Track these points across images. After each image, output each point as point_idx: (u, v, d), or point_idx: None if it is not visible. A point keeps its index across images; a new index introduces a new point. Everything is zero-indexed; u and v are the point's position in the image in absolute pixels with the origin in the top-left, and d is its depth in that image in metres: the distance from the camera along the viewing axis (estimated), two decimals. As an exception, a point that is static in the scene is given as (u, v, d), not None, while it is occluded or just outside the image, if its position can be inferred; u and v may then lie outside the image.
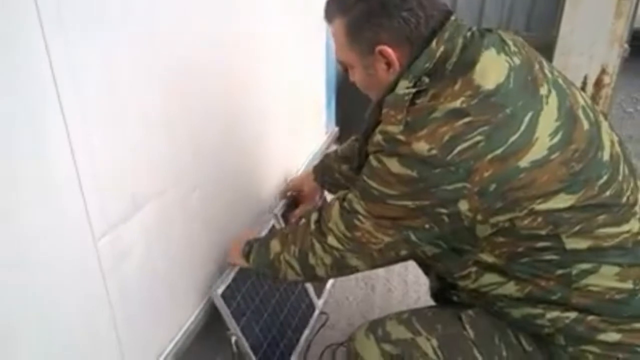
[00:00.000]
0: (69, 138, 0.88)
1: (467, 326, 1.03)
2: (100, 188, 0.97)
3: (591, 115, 0.97)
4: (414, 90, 0.93)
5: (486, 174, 0.86)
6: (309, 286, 1.71)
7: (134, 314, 1.14)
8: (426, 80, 0.92)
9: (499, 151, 0.86)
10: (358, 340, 1.11)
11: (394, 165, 0.92)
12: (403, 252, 1.03)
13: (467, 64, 0.91)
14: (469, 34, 0.95)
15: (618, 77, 2.56)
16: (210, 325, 1.41)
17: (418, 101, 0.92)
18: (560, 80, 0.99)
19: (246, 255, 1.27)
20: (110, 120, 0.97)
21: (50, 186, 0.87)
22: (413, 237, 0.98)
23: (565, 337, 0.97)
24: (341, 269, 1.10)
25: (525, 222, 0.89)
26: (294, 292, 1.64)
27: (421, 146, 0.88)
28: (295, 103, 1.91)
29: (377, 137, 0.95)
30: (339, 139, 2.43)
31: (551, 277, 0.93)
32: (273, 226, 1.55)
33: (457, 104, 0.88)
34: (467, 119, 0.87)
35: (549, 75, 0.98)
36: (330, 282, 1.82)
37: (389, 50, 0.96)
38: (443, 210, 0.91)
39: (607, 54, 2.46)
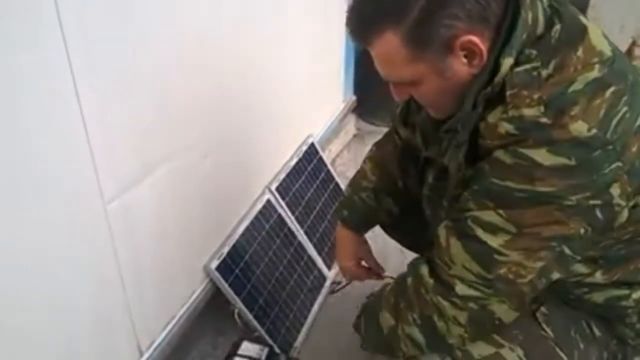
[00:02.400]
0: (78, 99, 0.89)
1: (544, 325, 0.98)
2: (110, 150, 0.99)
3: None
4: (538, 64, 0.80)
5: (634, 149, 0.79)
6: (317, 257, 1.73)
7: (144, 279, 1.17)
8: (534, 52, 0.80)
9: (638, 122, 0.80)
10: None
11: (543, 156, 0.77)
12: (554, 277, 0.88)
13: (577, 31, 0.81)
14: None
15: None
16: (219, 294, 1.43)
17: (542, 73, 0.79)
18: None
19: (357, 330, 1.14)
20: (120, 81, 0.98)
21: (60, 148, 0.89)
22: (568, 251, 0.84)
23: (639, 315, 0.97)
24: (481, 325, 0.91)
25: None
26: (300, 264, 1.66)
27: (579, 126, 0.76)
28: (313, 71, 1.90)
29: (507, 127, 0.79)
30: (356, 108, 2.41)
31: None
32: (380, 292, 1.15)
33: (596, 72, 0.78)
34: (612, 89, 0.78)
35: None
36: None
37: (474, 39, 0.79)
38: (597, 202, 0.79)
39: (639, 25, 2.39)
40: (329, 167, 1.95)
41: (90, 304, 1.05)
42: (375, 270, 1.33)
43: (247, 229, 1.52)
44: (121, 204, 1.05)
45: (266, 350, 1.31)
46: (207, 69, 1.23)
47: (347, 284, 1.45)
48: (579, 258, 0.88)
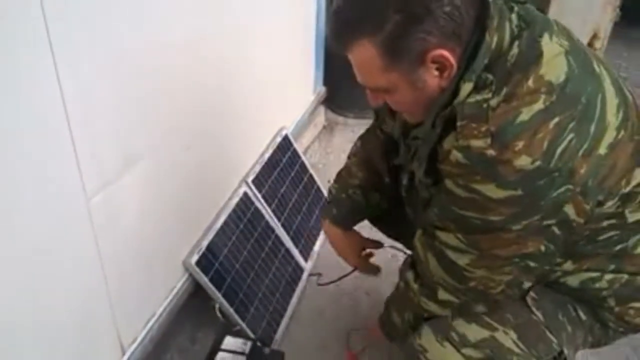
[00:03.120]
0: (61, 93, 0.88)
1: (534, 309, 1.02)
2: (92, 144, 0.97)
3: (622, 84, 0.95)
4: (489, 95, 0.83)
5: (582, 171, 0.82)
6: (294, 249, 1.74)
7: (126, 275, 1.16)
8: (490, 77, 0.83)
9: (586, 145, 0.83)
10: (432, 352, 1.03)
11: (492, 191, 0.82)
12: (527, 284, 0.99)
13: (532, 57, 0.84)
14: (513, 16, 0.87)
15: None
16: (200, 289, 1.42)
17: (492, 103, 0.83)
18: (589, 49, 0.95)
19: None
20: (103, 75, 0.97)
21: (42, 143, 0.87)
22: (532, 264, 0.92)
23: (616, 298, 1.02)
24: (467, 310, 1.03)
25: (606, 205, 0.88)
26: (278, 256, 1.67)
27: (523, 160, 0.80)
28: (285, 63, 1.90)
29: (456, 156, 0.83)
30: (325, 100, 2.42)
31: (609, 252, 0.96)
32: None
33: (541, 104, 0.82)
34: (556, 119, 0.81)
35: (583, 45, 0.93)
36: (319, 244, 1.84)
37: (445, 53, 0.82)
38: (551, 221, 0.85)
39: (600, 18, 2.48)
40: (303, 158, 1.96)
41: (72, 301, 1.03)
42: (376, 247, 1.38)
43: (225, 222, 1.51)
44: (103, 198, 1.03)
45: (249, 343, 1.31)
46: (184, 64, 1.22)
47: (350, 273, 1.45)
48: (547, 268, 0.96)
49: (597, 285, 1.01)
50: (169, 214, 1.29)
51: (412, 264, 1.05)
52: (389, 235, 1.48)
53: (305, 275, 1.74)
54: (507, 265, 0.91)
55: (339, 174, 1.32)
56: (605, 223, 0.92)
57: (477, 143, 0.81)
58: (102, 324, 1.13)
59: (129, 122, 1.06)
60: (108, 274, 1.09)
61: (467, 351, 1.00)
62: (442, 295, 0.99)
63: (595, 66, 0.89)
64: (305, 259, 1.78)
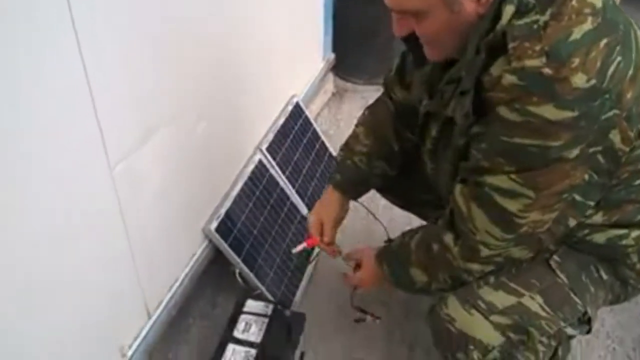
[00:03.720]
0: (83, 64, 0.89)
1: (558, 272, 1.04)
2: (114, 115, 0.99)
3: None
4: (537, 17, 0.81)
5: (629, 96, 0.83)
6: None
7: (149, 241, 1.20)
8: (531, 1, 0.82)
9: (631, 70, 0.83)
10: (461, 321, 1.03)
11: (549, 112, 0.79)
12: (572, 222, 0.97)
13: None
14: None
15: None
16: (220, 255, 1.45)
17: (541, 23, 0.81)
18: None
19: (380, 269, 1.18)
20: (124, 48, 0.98)
21: (66, 113, 0.89)
22: (578, 198, 0.92)
23: (639, 254, 1.03)
24: (503, 266, 1.02)
25: None
26: (294, 222, 1.69)
27: (579, 78, 0.78)
28: (294, 30, 1.90)
29: (509, 79, 0.81)
30: (334, 67, 2.41)
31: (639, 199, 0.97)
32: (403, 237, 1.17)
33: (589, 24, 0.80)
34: (605, 40, 0.81)
35: None
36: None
37: None
38: (598, 149, 0.86)
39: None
40: (315, 125, 1.97)
41: (101, 268, 1.06)
42: (324, 242, 1.31)
43: (242, 189, 1.53)
44: (125, 168, 1.05)
45: (271, 306, 1.35)
46: (197, 35, 1.22)
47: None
48: (591, 203, 0.94)
49: (624, 242, 1.02)
50: (188, 182, 1.31)
51: (449, 223, 1.00)
52: (399, 205, 1.50)
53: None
54: (558, 202, 0.89)
55: (346, 142, 1.31)
56: None
57: (532, 63, 0.80)
58: (128, 289, 1.17)
59: (147, 91, 1.08)
60: (132, 241, 1.12)
61: (495, 318, 1.01)
62: (485, 253, 0.96)
63: (620, 6, 0.89)
64: (320, 225, 1.80)
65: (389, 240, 1.24)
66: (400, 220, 1.71)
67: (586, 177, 0.88)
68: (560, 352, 1.14)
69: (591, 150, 0.85)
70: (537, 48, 0.80)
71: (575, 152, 0.83)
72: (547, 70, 0.79)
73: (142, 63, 1.04)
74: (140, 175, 1.11)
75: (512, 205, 0.89)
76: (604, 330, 1.48)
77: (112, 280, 1.10)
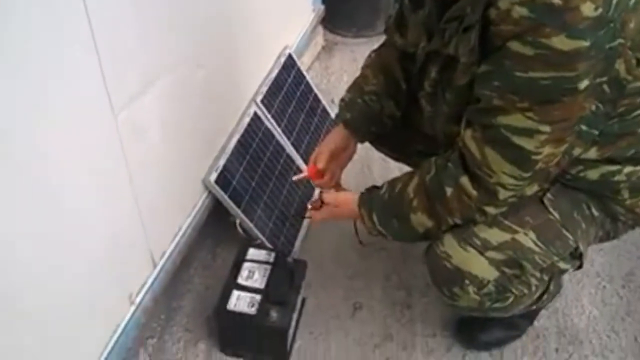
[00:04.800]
0: (86, 10, 0.88)
1: (551, 209, 1.06)
2: (117, 61, 0.99)
3: None
4: None
5: (632, 25, 0.85)
6: (305, 167, 1.77)
7: (153, 191, 1.21)
8: None
9: (632, 0, 0.85)
10: (457, 257, 1.06)
11: (562, 42, 0.80)
12: (576, 152, 1.00)
13: None
14: None
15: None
16: (219, 206, 1.47)
17: None
18: None
19: (368, 219, 1.14)
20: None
21: (71, 59, 0.88)
22: (585, 128, 0.94)
23: (630, 190, 1.07)
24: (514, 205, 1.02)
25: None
26: (290, 174, 1.71)
27: (587, 7, 0.79)
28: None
29: (519, 12, 0.81)
30: (323, 19, 2.39)
31: (634, 133, 1.00)
32: (394, 182, 1.13)
33: None
34: None
35: None
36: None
37: None
38: (604, 79, 0.88)
39: None
40: (307, 77, 1.97)
41: (106, 217, 1.08)
42: (327, 181, 1.31)
43: (239, 142, 1.55)
44: (129, 115, 1.06)
45: (273, 254, 1.38)
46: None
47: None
48: (596, 132, 0.97)
49: (616, 178, 1.05)
50: (187, 133, 1.32)
51: (463, 166, 0.99)
52: (393, 157, 1.51)
53: (317, 192, 1.79)
54: (570, 135, 0.91)
55: (354, 83, 1.31)
56: (638, 100, 0.95)
57: None
58: (134, 237, 1.19)
59: (147, 39, 1.07)
60: (137, 190, 1.14)
61: (490, 254, 1.04)
62: (503, 194, 0.97)
63: None
64: (316, 177, 1.83)
65: (371, 189, 1.20)
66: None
67: (593, 107, 0.91)
68: (551, 287, 1.20)
69: (598, 80, 0.87)
70: None
71: (586, 82, 0.84)
72: (557, 1, 0.79)
73: (143, 11, 1.04)
74: (143, 124, 1.12)
75: (528, 144, 0.90)
76: (594, 269, 1.55)
77: (118, 228, 1.12)
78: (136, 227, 1.18)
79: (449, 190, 1.01)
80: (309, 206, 1.27)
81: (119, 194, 1.10)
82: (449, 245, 1.07)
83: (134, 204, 1.14)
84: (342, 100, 1.32)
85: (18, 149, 0.81)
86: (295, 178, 1.35)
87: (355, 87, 1.30)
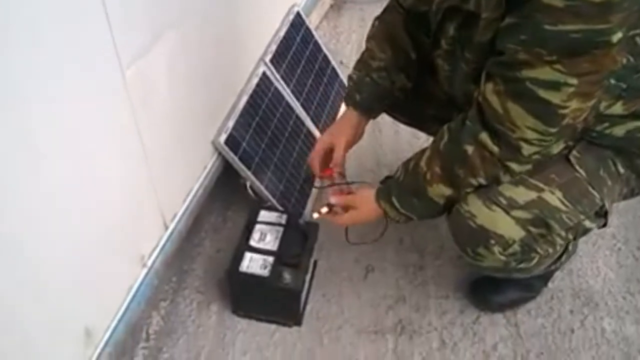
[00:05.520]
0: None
1: (577, 167, 1.05)
2: (124, 15, 0.94)
3: None
4: None
5: None
6: (315, 129, 1.75)
7: (163, 152, 1.19)
8: None
9: None
10: (481, 216, 1.03)
11: None
12: (602, 107, 0.98)
13: None
14: None
15: None
16: (230, 169, 1.45)
17: None
18: None
19: (390, 208, 1.12)
20: None
21: (77, 14, 0.84)
22: (613, 82, 0.93)
23: None
24: (540, 163, 1.00)
25: None
26: (300, 136, 1.69)
27: None
28: None
29: None
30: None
31: None
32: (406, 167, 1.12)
33: None
34: None
35: None
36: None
37: None
38: (637, 31, 0.87)
39: None
40: (316, 36, 1.92)
41: (118, 179, 1.06)
42: (330, 169, 1.26)
43: (248, 102, 1.51)
44: (137, 70, 1.02)
45: (284, 216, 1.36)
46: None
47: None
48: (624, 86, 0.95)
49: None
50: (196, 92, 1.29)
51: (481, 123, 0.96)
52: (405, 122, 1.48)
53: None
54: (598, 89, 0.88)
55: (360, 59, 1.26)
56: None
57: None
58: (146, 199, 1.17)
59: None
60: (147, 150, 1.11)
61: (516, 213, 1.02)
62: (527, 150, 0.94)
63: None
64: (326, 139, 1.80)
65: (386, 179, 1.18)
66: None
67: (625, 60, 0.88)
68: (570, 247, 1.18)
69: (631, 33, 0.84)
70: None
71: (619, 35, 0.80)
72: None
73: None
74: (151, 80, 1.08)
75: (555, 97, 0.86)
76: (610, 231, 1.53)
77: (130, 190, 1.10)
78: (147, 189, 1.16)
79: (469, 149, 0.98)
80: (320, 212, 1.22)
81: (130, 155, 1.08)
82: (473, 204, 1.04)
83: (144, 165, 1.12)
84: (350, 78, 1.27)
85: (25, 106, 0.78)
86: (316, 216, 1.23)
87: (362, 63, 1.25)
